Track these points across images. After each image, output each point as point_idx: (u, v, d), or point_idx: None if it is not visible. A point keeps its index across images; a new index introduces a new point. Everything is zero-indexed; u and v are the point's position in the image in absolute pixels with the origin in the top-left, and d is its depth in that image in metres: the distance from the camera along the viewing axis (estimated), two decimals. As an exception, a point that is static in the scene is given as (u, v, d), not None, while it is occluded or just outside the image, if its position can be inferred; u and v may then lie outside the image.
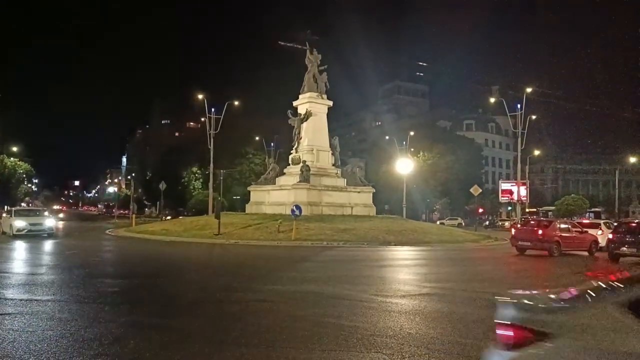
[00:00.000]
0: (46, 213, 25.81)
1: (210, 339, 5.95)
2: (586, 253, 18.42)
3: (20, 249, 17.60)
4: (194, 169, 75.80)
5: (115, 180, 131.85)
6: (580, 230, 18.90)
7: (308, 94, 31.19)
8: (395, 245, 20.84)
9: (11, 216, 22.48)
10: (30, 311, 7.28)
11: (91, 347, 5.49)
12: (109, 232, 27.39)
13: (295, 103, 32.15)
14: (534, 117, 45.76)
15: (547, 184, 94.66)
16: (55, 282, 10.22)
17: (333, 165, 31.70)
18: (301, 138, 31.18)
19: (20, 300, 8.18)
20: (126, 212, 73.71)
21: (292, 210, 21.24)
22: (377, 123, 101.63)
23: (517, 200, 43.34)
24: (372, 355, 5.40)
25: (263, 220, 25.11)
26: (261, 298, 8.66)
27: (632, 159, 61.06)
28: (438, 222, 54.26)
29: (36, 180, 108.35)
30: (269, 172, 32.08)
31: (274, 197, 30.57)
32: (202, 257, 16.21)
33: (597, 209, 53.60)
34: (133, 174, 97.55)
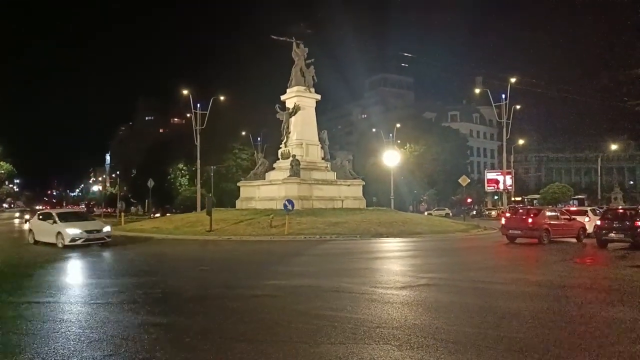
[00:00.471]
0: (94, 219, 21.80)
1: (219, 336, 5.96)
2: (574, 240, 18.82)
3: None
4: (180, 165, 75.02)
5: (100, 179, 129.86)
6: (568, 217, 19.29)
7: (296, 88, 31.08)
8: (387, 237, 21.01)
9: (54, 222, 17.60)
10: (31, 313, 7.19)
11: (100, 348, 5.47)
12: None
13: (283, 97, 32.01)
14: (518, 107, 46.42)
15: (530, 172, 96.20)
16: (50, 283, 10.08)
17: (322, 158, 31.71)
18: (290, 132, 31.09)
19: (18, 302, 8.06)
20: (111, 210, 72.83)
21: (285, 205, 21.23)
22: (363, 116, 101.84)
23: (503, 190, 43.96)
24: (381, 347, 5.47)
25: (254, 215, 25.05)
26: (263, 293, 8.69)
27: (614, 146, 62.32)
28: (426, 213, 54.80)
29: (17, 181, 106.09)
30: (258, 167, 31.96)
31: (264, 192, 30.49)
32: (196, 254, 16.12)
33: (580, 196, 54.71)
34: (118, 172, 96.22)
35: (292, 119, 31.01)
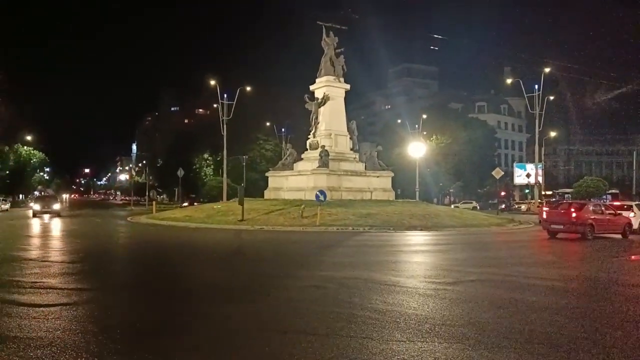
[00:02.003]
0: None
1: (279, 329, 5.76)
2: (619, 236, 18.07)
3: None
4: (205, 156, 75.73)
5: (127, 168, 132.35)
6: (613, 212, 18.50)
7: (325, 78, 30.71)
8: (421, 230, 20.60)
9: None
10: (82, 300, 7.15)
11: (158, 337, 5.33)
12: (130, 219, 27.42)
13: (312, 87, 31.69)
14: (551, 97, 45.03)
15: (559, 166, 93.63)
16: (93, 270, 10.11)
17: (351, 149, 31.36)
18: (319, 123, 30.80)
19: (70, 289, 8.05)
20: (139, 199, 74.10)
21: (317, 196, 21.02)
22: (387, 106, 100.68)
23: (535, 183, 42.81)
24: (454, 346, 5.17)
25: (284, 205, 24.94)
26: (313, 284, 8.47)
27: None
28: (452, 206, 53.90)
29: (47, 169, 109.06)
30: (286, 158, 31.81)
31: (292, 182, 30.36)
32: (233, 244, 16.06)
33: (614, 191, 52.76)
34: (144, 161, 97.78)
35: (321, 109, 30.69)
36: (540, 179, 44.15)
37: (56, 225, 23.22)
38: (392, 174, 31.88)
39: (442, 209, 30.54)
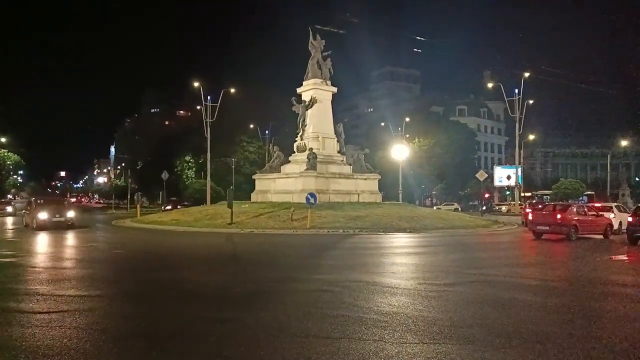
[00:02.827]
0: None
1: (294, 333, 5.78)
2: (601, 236, 18.64)
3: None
4: (187, 158, 74.90)
5: (105, 170, 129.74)
6: (595, 214, 19.10)
7: (312, 81, 30.81)
8: (410, 232, 20.85)
9: None
10: (87, 307, 7.04)
11: (175, 344, 5.31)
12: (115, 223, 26.93)
13: (299, 90, 31.74)
14: (531, 102, 46.17)
15: (536, 168, 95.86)
16: (91, 277, 9.95)
17: (338, 152, 31.52)
18: (306, 125, 30.88)
19: (69, 296, 7.91)
20: (118, 202, 72.71)
21: (307, 198, 21.08)
22: (370, 109, 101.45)
23: (515, 185, 43.75)
24: (467, 347, 5.29)
25: (273, 208, 24.90)
26: (317, 288, 8.52)
27: (624, 142, 61.90)
28: (434, 208, 54.57)
29: (21, 172, 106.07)
30: (274, 160, 31.76)
31: (279, 185, 30.33)
32: (226, 248, 15.95)
33: (590, 192, 54.41)
34: (123, 164, 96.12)
35: (309, 112, 30.77)
36: (520, 181, 45.10)
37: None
38: (379, 177, 32.17)
39: (428, 211, 30.94)
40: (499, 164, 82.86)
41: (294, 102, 31.35)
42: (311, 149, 28.71)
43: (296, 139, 31.62)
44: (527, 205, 29.38)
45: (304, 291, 8.32)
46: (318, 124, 30.66)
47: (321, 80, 30.85)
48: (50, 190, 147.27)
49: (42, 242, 16.49)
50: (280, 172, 30.98)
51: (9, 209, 41.08)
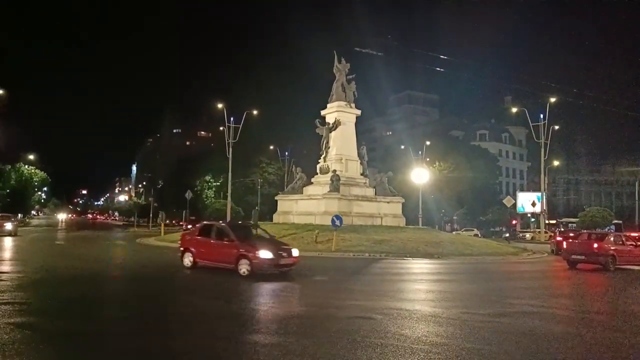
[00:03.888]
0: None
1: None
2: (640, 267, 17.85)
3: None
4: (207, 178, 75.61)
5: (126, 189, 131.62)
6: (634, 243, 18.34)
7: (336, 103, 30.88)
8: (438, 257, 20.31)
9: None
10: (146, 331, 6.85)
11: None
12: (139, 241, 26.97)
13: (323, 112, 31.84)
14: (557, 127, 45.47)
15: (558, 195, 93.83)
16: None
17: (361, 174, 31.28)
18: (329, 147, 30.81)
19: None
20: (138, 220, 73.39)
21: (332, 221, 20.79)
22: (388, 132, 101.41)
23: (541, 212, 42.76)
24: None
25: (296, 230, 24.64)
26: (357, 315, 8.19)
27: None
28: (454, 233, 53.55)
29: (45, 188, 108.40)
30: (296, 182, 31.65)
31: (302, 206, 30.12)
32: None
33: (617, 221, 52.77)
34: (144, 183, 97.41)
35: (332, 134, 30.75)
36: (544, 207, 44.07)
37: (65, 246, 22.77)
38: (403, 200, 31.74)
39: (453, 236, 30.33)
40: (521, 190, 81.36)
41: (318, 124, 31.40)
42: (334, 170, 28.55)
43: (319, 161, 31.53)
44: (558, 233, 28.49)
45: (344, 318, 8.00)
46: (341, 146, 30.58)
47: (345, 102, 30.91)
48: (72, 207, 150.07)
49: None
50: (302, 193, 30.82)
51: (8, 226, 29.95)
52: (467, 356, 5.84)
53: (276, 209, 32.10)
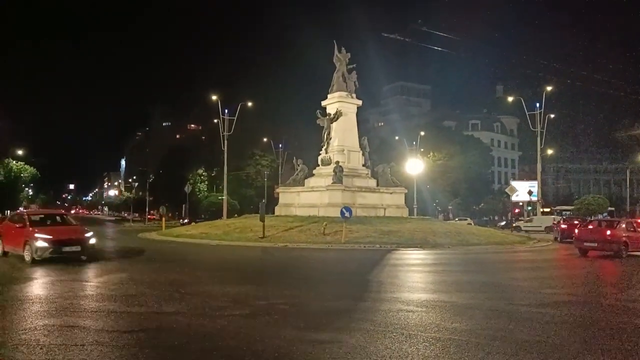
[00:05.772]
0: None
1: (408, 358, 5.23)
2: (650, 254, 17.90)
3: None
4: (200, 171, 74.77)
5: (116, 183, 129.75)
6: (644, 230, 18.37)
7: (337, 94, 30.50)
8: (448, 247, 20.21)
9: None
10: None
11: None
12: (140, 236, 26.44)
13: (323, 103, 31.45)
14: (552, 115, 45.72)
15: (548, 183, 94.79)
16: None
17: (363, 165, 31.04)
18: (331, 138, 30.46)
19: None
20: (133, 215, 72.44)
21: (342, 212, 20.52)
22: (380, 123, 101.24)
23: (538, 201, 43.08)
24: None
25: (301, 222, 24.36)
26: (397, 308, 7.94)
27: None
28: (449, 223, 53.70)
29: (31, 184, 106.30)
30: (297, 174, 31.29)
31: (304, 198, 29.82)
32: (270, 262, 15.41)
33: (611, 209, 53.53)
34: (135, 177, 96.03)
35: (334, 125, 30.41)
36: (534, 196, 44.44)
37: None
38: (406, 191, 31.62)
39: (459, 226, 30.31)
40: (512, 179, 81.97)
41: (319, 115, 31.01)
42: (337, 162, 28.24)
43: (320, 152, 31.19)
44: (563, 221, 28.62)
45: (386, 311, 7.73)
46: (343, 137, 30.27)
47: (346, 93, 30.54)
48: (59, 203, 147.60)
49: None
50: (304, 185, 30.50)
51: None
52: (534, 348, 5.63)
53: (270, 201, 31.76)
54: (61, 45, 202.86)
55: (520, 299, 9.09)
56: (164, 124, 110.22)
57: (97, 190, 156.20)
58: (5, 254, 14.33)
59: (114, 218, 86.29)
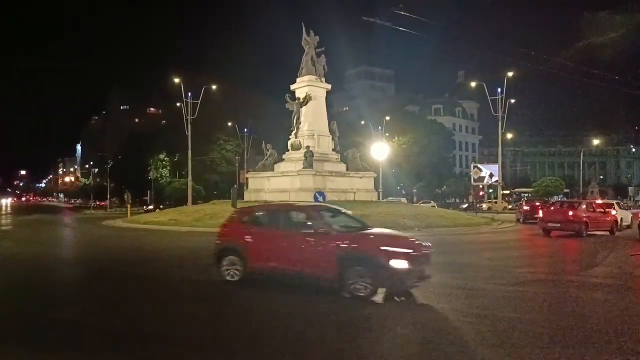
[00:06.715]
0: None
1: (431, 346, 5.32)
2: (607, 233, 18.95)
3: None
4: (162, 157, 72.74)
5: (71, 170, 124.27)
6: (602, 211, 19.44)
7: (307, 78, 30.16)
8: (419, 230, 20.60)
9: None
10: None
11: None
12: (105, 224, 25.47)
13: (293, 87, 31.05)
14: (513, 101, 47.19)
15: (507, 166, 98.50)
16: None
17: (333, 150, 31.05)
18: (301, 123, 30.18)
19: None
20: (100, 203, 69.89)
21: (315, 197, 20.55)
22: (345, 108, 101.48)
23: (499, 184, 44.70)
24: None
25: (273, 208, 24.14)
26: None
27: (596, 142, 64.32)
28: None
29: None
30: (267, 159, 30.94)
31: (274, 184, 29.58)
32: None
33: (566, 190, 56.31)
34: (92, 163, 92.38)
35: (303, 110, 30.11)
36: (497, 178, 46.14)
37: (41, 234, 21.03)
38: (375, 175, 31.96)
39: (427, 209, 30.96)
40: (474, 162, 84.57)
41: (288, 100, 30.63)
42: (308, 147, 28.11)
43: (290, 137, 30.91)
44: (525, 203, 29.83)
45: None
46: (313, 122, 30.08)
47: (316, 77, 30.23)
48: (11, 191, 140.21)
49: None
50: (274, 170, 30.25)
51: None
52: (523, 327, 5.84)
53: (237, 187, 31.19)
54: (11, 25, 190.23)
55: (497, 279, 9.43)
56: (122, 107, 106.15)
57: (51, 177, 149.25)
58: None
59: (71, 206, 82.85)
